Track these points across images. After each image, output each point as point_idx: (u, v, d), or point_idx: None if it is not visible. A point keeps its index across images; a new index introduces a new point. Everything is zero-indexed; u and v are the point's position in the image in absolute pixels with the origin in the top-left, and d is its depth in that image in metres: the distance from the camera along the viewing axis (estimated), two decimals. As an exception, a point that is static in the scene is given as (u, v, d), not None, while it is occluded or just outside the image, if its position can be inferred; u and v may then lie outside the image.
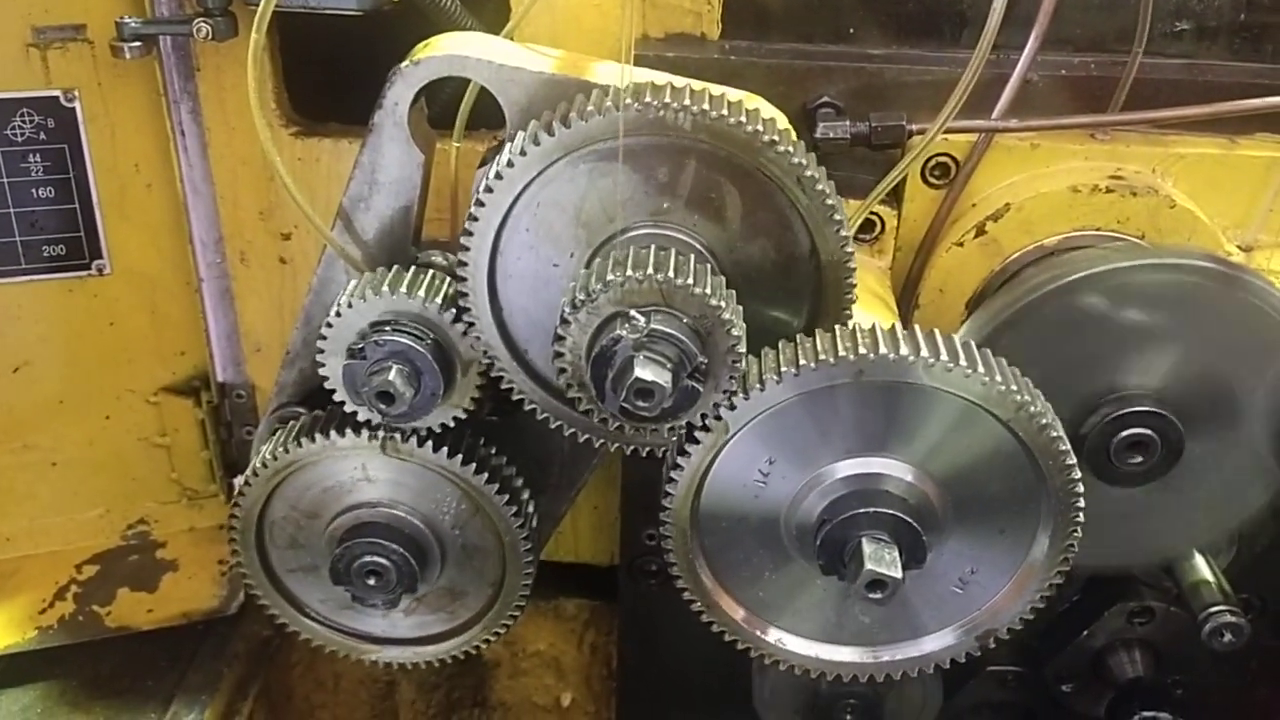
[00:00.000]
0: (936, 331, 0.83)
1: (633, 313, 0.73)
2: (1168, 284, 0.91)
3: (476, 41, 0.92)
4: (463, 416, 0.95)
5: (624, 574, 1.27)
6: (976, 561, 0.85)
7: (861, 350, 0.79)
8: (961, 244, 1.09)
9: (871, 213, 1.09)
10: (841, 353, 0.79)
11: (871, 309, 1.02)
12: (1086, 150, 1.07)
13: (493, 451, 0.99)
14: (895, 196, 1.10)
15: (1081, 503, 0.83)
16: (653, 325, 0.73)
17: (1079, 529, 0.83)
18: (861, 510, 0.81)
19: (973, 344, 0.83)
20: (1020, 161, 1.08)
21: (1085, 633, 1.33)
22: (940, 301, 1.10)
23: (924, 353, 0.79)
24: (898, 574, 0.78)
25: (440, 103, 1.01)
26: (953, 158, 1.08)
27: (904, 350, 0.79)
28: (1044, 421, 0.81)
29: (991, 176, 1.08)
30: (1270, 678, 1.43)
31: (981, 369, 0.80)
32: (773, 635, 0.87)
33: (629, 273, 0.75)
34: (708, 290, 0.76)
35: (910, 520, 0.80)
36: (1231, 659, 1.42)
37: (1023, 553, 0.85)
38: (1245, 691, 1.46)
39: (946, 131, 1.05)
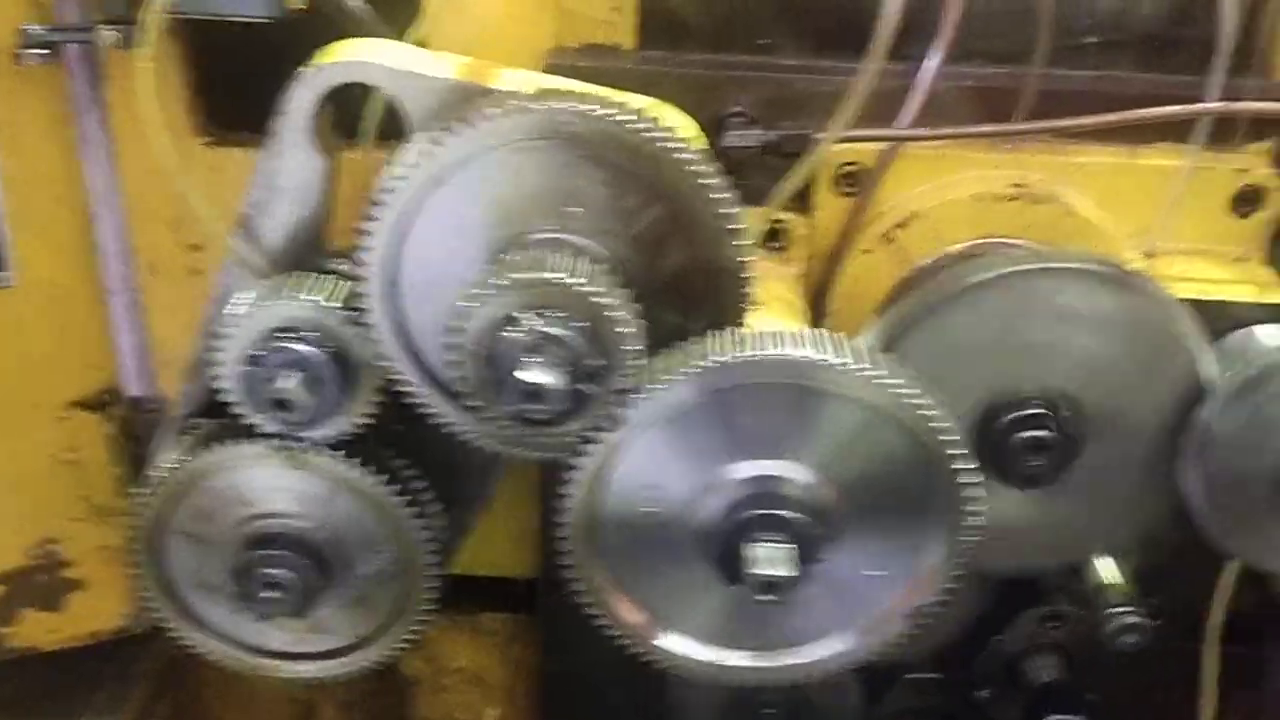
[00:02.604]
0: (835, 334, 0.84)
1: (523, 315, 0.73)
2: (1062, 288, 0.92)
3: (380, 48, 0.91)
4: (366, 425, 0.94)
5: (543, 585, 1.26)
6: (874, 565, 0.85)
7: (757, 351, 0.79)
8: (871, 251, 1.10)
9: (779, 221, 1.09)
10: (736, 354, 0.79)
11: (781, 315, 1.03)
12: (991, 159, 1.08)
13: (399, 461, 0.98)
14: (805, 205, 1.11)
15: (978, 506, 0.83)
16: (543, 328, 0.72)
17: (975, 532, 0.83)
18: (757, 512, 0.80)
19: (872, 347, 0.84)
20: (927, 170, 1.09)
21: (999, 638, 1.34)
22: (851, 308, 1.11)
23: (820, 354, 0.79)
24: (790, 575, 0.78)
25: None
26: (861, 167, 1.09)
27: (800, 351, 0.79)
28: (940, 425, 0.81)
29: (900, 185, 1.09)
30: (1183, 681, 1.44)
31: (878, 371, 0.80)
32: (671, 641, 0.86)
33: (521, 275, 0.74)
34: (601, 293, 0.76)
35: (807, 522, 0.81)
36: (1145, 662, 1.45)
37: (920, 556, 0.85)
38: (1159, 694, 1.47)
39: (854, 141, 1.07)
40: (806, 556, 0.80)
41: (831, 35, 1.16)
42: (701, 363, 0.78)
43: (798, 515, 0.80)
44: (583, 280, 0.75)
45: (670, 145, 0.81)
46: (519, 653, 1.50)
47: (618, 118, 0.81)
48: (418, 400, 0.88)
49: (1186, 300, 1.04)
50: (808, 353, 0.79)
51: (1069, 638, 1.36)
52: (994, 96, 1.09)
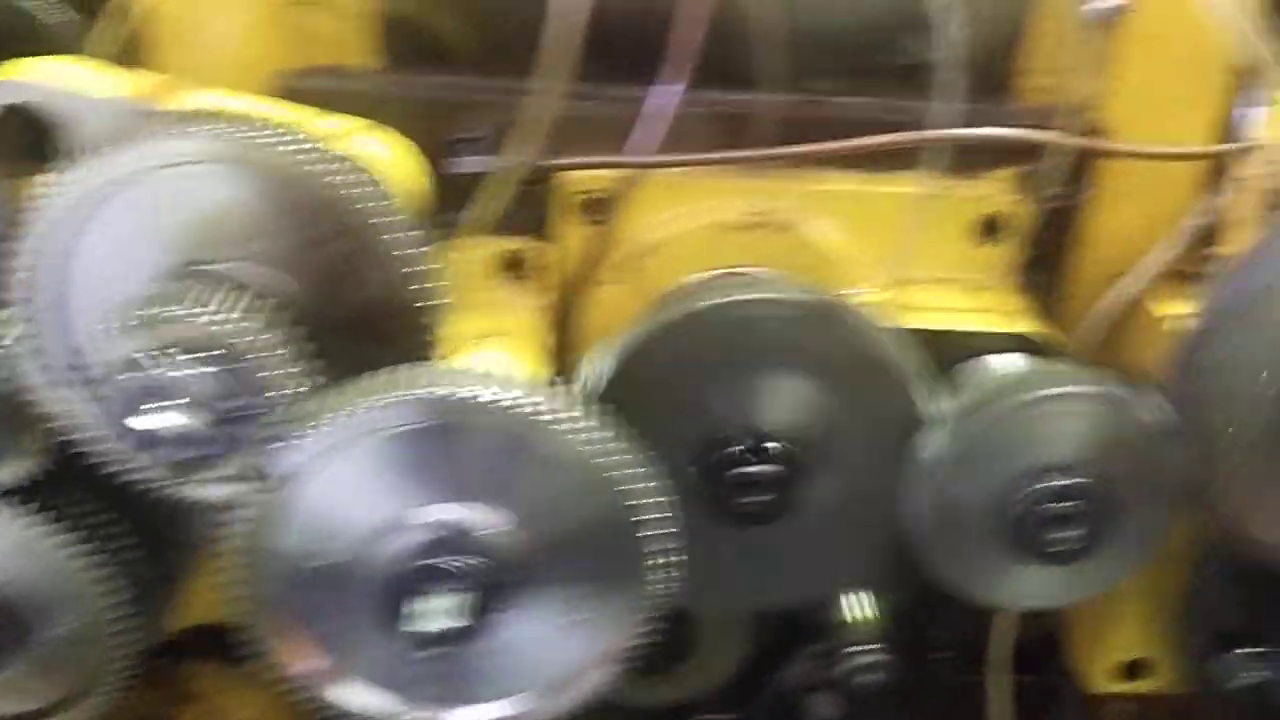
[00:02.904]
0: (524, 372, 0.80)
1: (147, 355, 0.67)
2: (766, 320, 0.90)
3: (47, 67, 0.85)
4: (55, 467, 0.87)
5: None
6: (568, 618, 0.81)
7: (429, 390, 0.75)
8: (615, 282, 1.06)
9: (519, 250, 1.06)
10: (405, 393, 0.74)
11: (513, 348, 0.99)
12: (734, 187, 1.06)
13: (92, 506, 0.91)
14: (550, 233, 1.07)
15: (674, 556, 0.80)
16: (164, 370, 0.67)
17: (668, 588, 0.80)
18: (436, 561, 0.76)
19: (569, 387, 0.80)
20: (670, 198, 1.06)
21: (777, 676, 1.32)
22: (599, 340, 1.07)
23: (500, 394, 0.75)
24: (457, 627, 0.73)
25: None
26: (603, 194, 1.06)
27: (449, 390, 0.75)
28: (631, 469, 0.78)
29: (644, 213, 1.06)
30: (975, 713, 1.44)
31: (563, 413, 0.77)
32: (346, 691, 0.81)
33: (149, 311, 0.69)
34: (244, 331, 0.71)
35: (490, 573, 0.76)
36: (935, 695, 1.44)
37: (613, 611, 0.81)
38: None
39: (584, 167, 1.04)
40: (490, 609, 0.76)
41: (602, 58, 1.13)
42: (366, 403, 0.73)
43: (474, 564, 0.76)
44: (222, 317, 0.70)
45: (347, 178, 0.77)
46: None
47: (288, 145, 0.76)
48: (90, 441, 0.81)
49: (926, 330, 1.03)
50: (489, 393, 0.75)
51: (849, 674, 1.34)
52: (737, 122, 1.07)
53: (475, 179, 1.04)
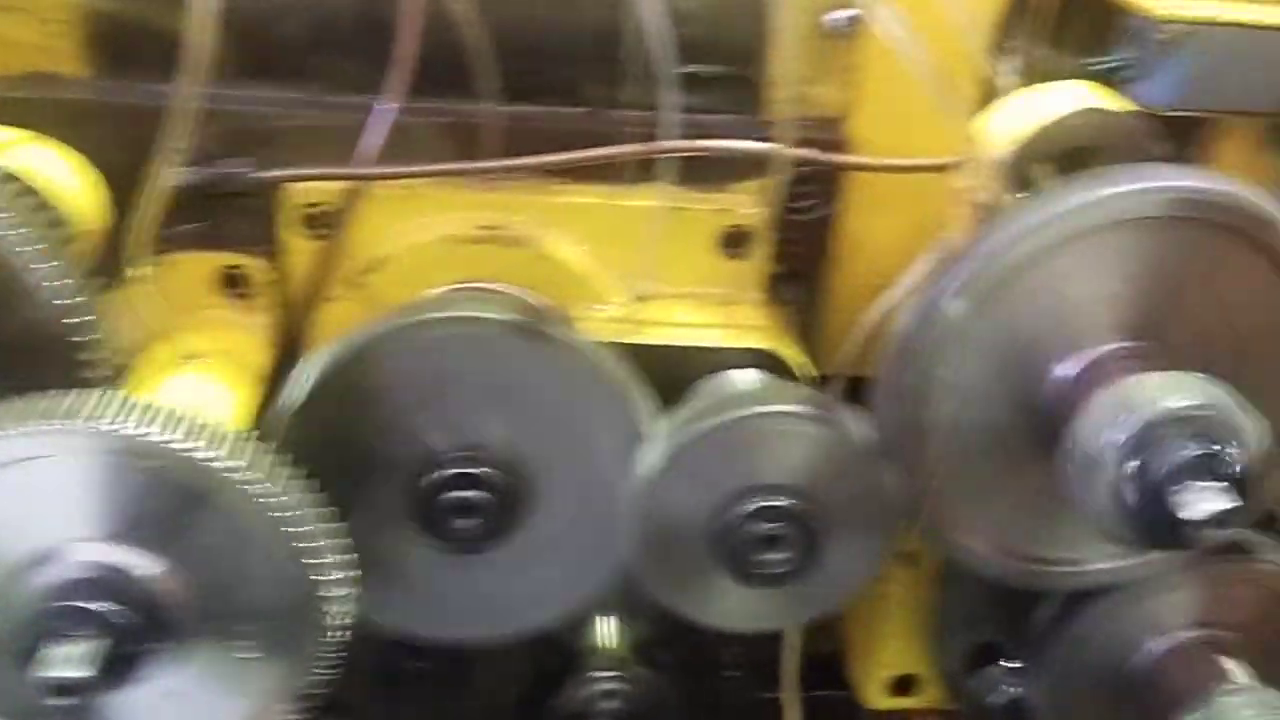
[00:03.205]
0: (220, 400, 0.75)
1: None
2: (464, 338, 0.86)
3: None
4: None
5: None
6: (228, 671, 0.76)
7: (54, 420, 0.69)
8: (342, 298, 1.02)
9: (236, 266, 1.01)
10: (42, 424, 0.69)
11: (216, 372, 0.94)
12: (467, 199, 1.02)
13: None
14: (270, 248, 1.02)
15: (337, 608, 0.76)
16: None
17: (338, 630, 0.76)
18: (76, 603, 0.71)
19: (243, 432, 0.76)
20: (399, 211, 1.02)
21: (554, 702, 1.28)
22: (326, 358, 1.02)
23: (129, 426, 0.70)
24: (90, 677, 0.68)
25: None
26: (328, 207, 1.01)
27: (132, 429, 0.70)
28: (303, 517, 0.74)
29: (371, 227, 1.02)
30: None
31: (231, 459, 0.72)
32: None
33: None
34: None
35: (133, 621, 0.71)
36: (730, 715, 1.42)
37: (281, 663, 0.77)
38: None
39: (312, 179, 1.00)
40: (126, 659, 0.71)
41: (291, 67, 1.07)
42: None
43: (115, 610, 0.70)
44: None
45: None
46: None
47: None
48: None
49: (665, 346, 1.01)
50: (120, 425, 0.70)
51: (632, 698, 1.32)
52: (468, 135, 1.03)
53: (191, 191, 0.99)
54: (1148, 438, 0.76)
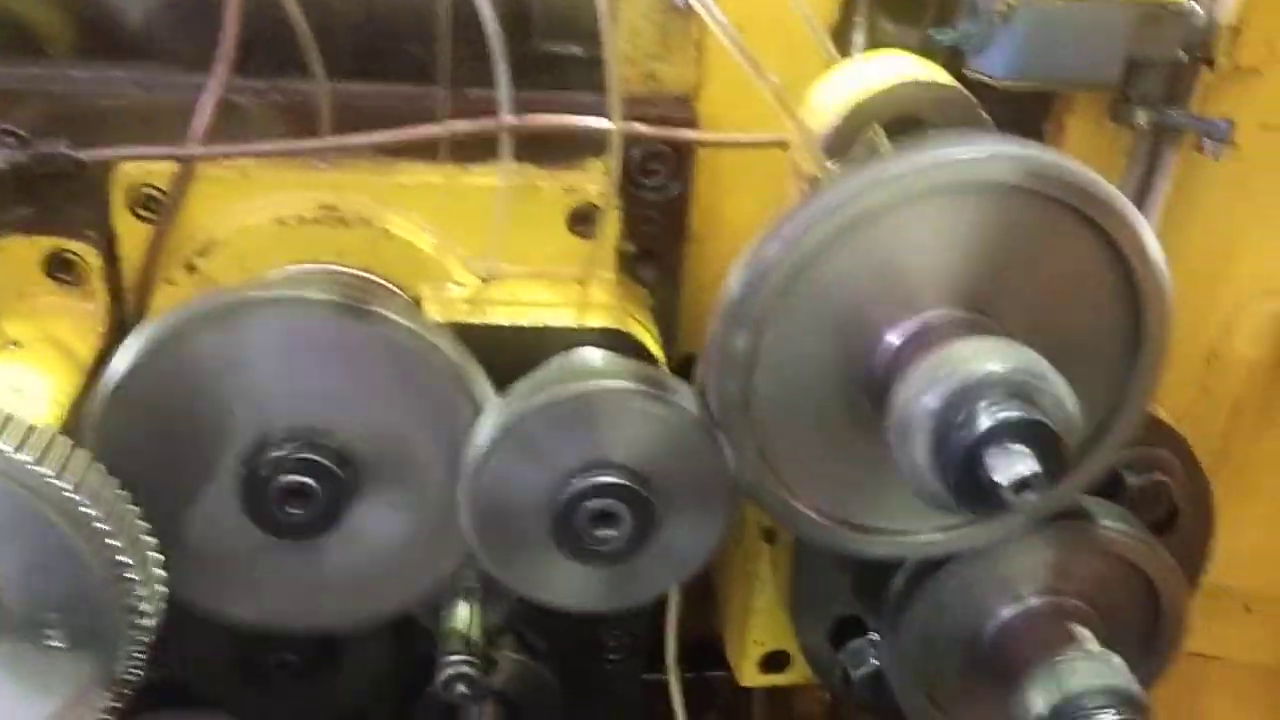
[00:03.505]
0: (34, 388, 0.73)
1: None
2: (292, 318, 0.84)
3: None
4: None
5: None
6: (25, 669, 0.74)
7: None
8: (175, 283, 0.99)
9: (68, 251, 0.98)
10: None
11: (33, 360, 0.91)
12: (304, 180, 1.00)
13: None
14: (102, 233, 0.99)
15: (142, 610, 0.74)
16: None
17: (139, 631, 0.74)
18: None
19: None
20: (232, 192, 1.00)
21: (430, 688, 1.26)
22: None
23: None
24: None
25: None
26: (159, 189, 0.98)
27: None
28: (86, 501, 0.72)
29: (204, 209, 1.00)
30: (656, 710, 1.41)
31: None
32: None
33: None
34: None
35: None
36: (615, 696, 1.41)
37: (88, 653, 0.75)
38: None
39: (140, 158, 0.97)
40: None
41: (121, 46, 1.04)
42: None
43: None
44: None
45: None
46: None
47: None
48: None
49: (509, 326, 0.99)
50: None
51: (509, 683, 1.30)
52: (304, 114, 1.01)
53: (17, 175, 0.96)
54: (961, 402, 0.76)
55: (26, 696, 0.77)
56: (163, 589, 0.78)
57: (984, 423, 0.75)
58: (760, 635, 1.24)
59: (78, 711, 0.77)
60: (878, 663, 1.12)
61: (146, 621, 0.77)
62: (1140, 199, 1.19)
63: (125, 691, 0.80)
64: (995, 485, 0.74)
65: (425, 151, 1.03)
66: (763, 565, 1.20)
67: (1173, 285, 0.86)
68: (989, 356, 0.78)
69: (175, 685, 1.24)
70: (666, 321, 1.15)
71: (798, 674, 1.26)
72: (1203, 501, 1.09)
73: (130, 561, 0.74)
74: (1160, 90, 1.08)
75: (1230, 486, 1.37)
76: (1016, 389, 0.76)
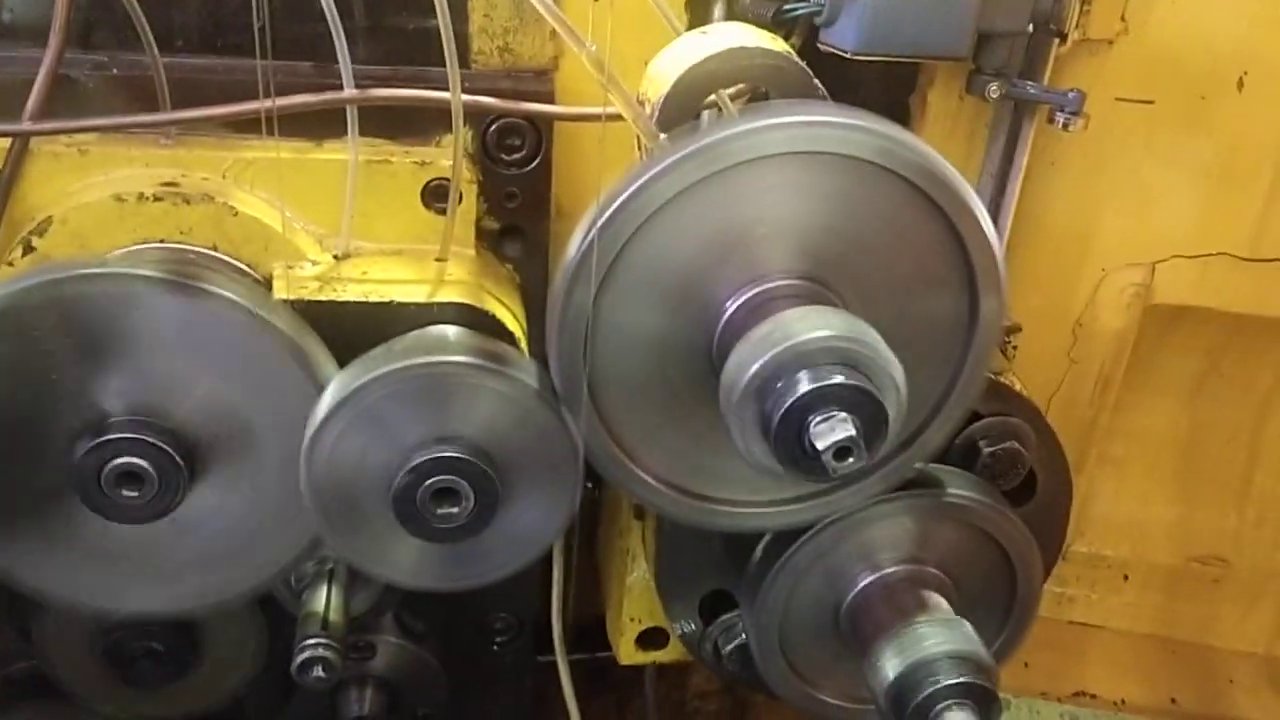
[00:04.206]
0: None
1: None
2: (117, 294, 0.83)
3: None
4: None
5: None
6: None
7: None
8: (12, 263, 0.97)
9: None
10: None
11: None
12: (146, 156, 0.99)
13: None
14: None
15: None
16: None
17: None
18: None
19: None
20: (71, 169, 0.98)
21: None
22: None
23: None
24: None
25: None
26: (-8, 167, 0.96)
27: None
28: None
29: (41, 187, 0.97)
30: (534, 694, 1.41)
31: None
32: None
33: None
34: None
35: None
36: (503, 680, 1.41)
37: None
38: (526, 707, 1.44)
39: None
40: None
41: None
42: None
43: None
44: None
45: None
46: None
47: None
48: None
49: (363, 302, 0.98)
50: None
51: (388, 668, 1.29)
52: (147, 86, 0.99)
53: None
54: (785, 368, 0.76)
55: None
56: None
57: (806, 389, 0.75)
58: (635, 612, 1.24)
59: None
60: (740, 639, 1.13)
61: None
62: (1003, 172, 1.20)
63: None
64: (816, 451, 0.75)
65: (277, 127, 1.01)
66: (634, 542, 1.20)
67: (1004, 259, 0.87)
68: (815, 324, 0.78)
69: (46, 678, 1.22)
70: (536, 301, 1.14)
71: (676, 651, 1.26)
72: (1059, 469, 1.10)
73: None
74: (1012, 63, 1.09)
75: (1102, 457, 1.40)
76: (840, 356, 0.77)
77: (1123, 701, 1.45)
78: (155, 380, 0.86)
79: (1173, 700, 1.45)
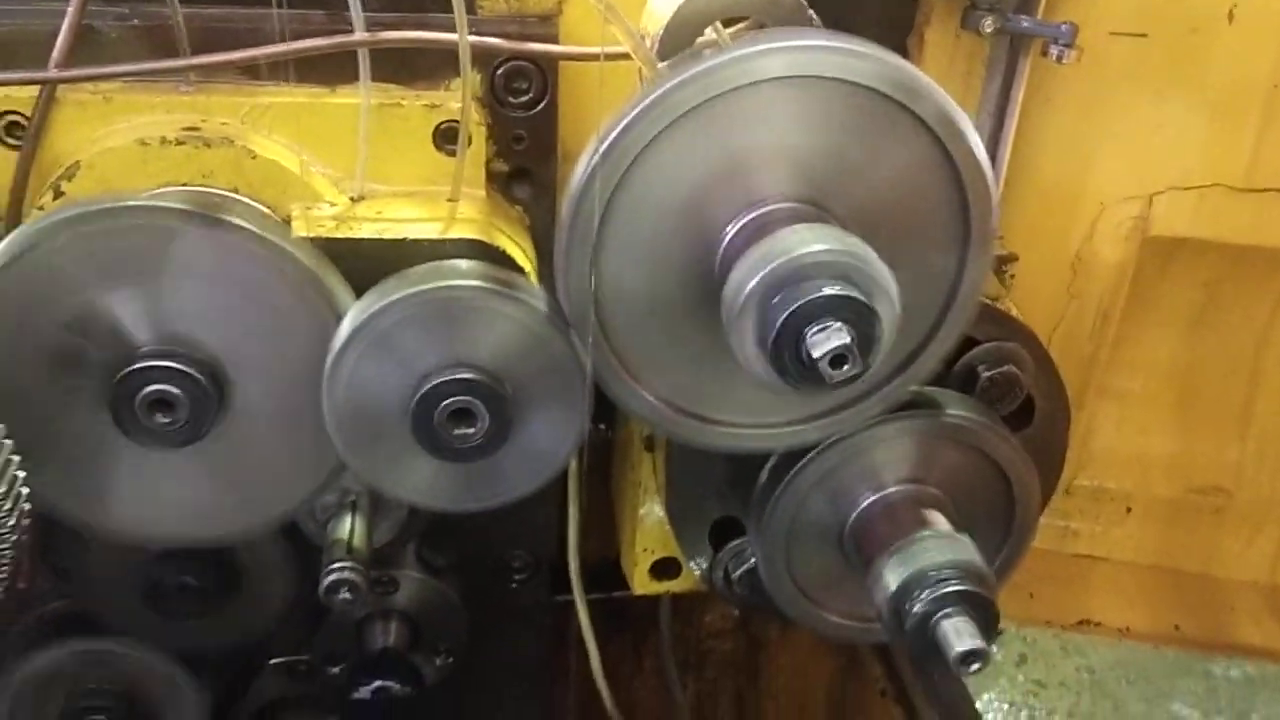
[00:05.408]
0: None
1: None
2: (146, 227, 0.88)
3: None
4: None
5: None
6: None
7: None
8: (42, 207, 1.01)
9: (-78, 182, 1.00)
10: None
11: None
12: (167, 102, 1.02)
13: None
14: (-33, 159, 1.01)
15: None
16: None
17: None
18: None
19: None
20: (96, 116, 1.01)
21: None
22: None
23: None
24: None
25: None
26: (22, 115, 1.00)
27: None
28: None
29: (68, 134, 1.01)
30: (552, 633, 1.46)
31: None
32: None
33: None
34: None
35: None
36: (520, 618, 1.45)
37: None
38: (544, 647, 1.48)
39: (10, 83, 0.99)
40: None
41: None
42: None
43: None
44: None
45: None
46: None
47: None
48: None
49: (377, 240, 1.02)
50: None
51: (412, 602, 1.34)
52: (164, 37, 1.03)
53: None
54: (783, 283, 0.80)
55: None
56: (23, 490, 0.80)
57: (801, 301, 0.79)
58: (648, 542, 1.28)
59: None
60: (750, 562, 1.17)
61: (9, 521, 0.79)
62: (1000, 108, 1.23)
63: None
64: (813, 360, 0.78)
65: (292, 72, 1.05)
66: (645, 473, 1.24)
67: (996, 187, 0.90)
68: (811, 241, 0.81)
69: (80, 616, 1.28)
70: (547, 241, 1.18)
71: (688, 580, 1.30)
72: (1056, 393, 1.13)
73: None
74: (1006, -3, 1.12)
75: (1103, 390, 1.43)
76: (835, 270, 0.80)
77: (1127, 629, 1.49)
78: (183, 311, 0.91)
79: (1176, 627, 1.48)
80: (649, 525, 1.26)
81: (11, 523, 0.80)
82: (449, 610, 1.36)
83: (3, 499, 0.79)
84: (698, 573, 1.21)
